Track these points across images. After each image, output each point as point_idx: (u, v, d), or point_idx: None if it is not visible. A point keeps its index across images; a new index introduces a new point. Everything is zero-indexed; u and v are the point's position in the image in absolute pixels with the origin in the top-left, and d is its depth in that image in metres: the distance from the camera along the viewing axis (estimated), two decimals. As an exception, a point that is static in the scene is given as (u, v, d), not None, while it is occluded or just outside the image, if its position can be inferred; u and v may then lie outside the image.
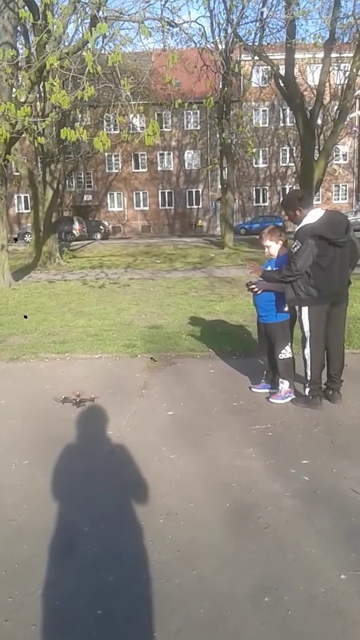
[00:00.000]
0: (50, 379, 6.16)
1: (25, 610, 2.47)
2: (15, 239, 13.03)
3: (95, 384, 5.81)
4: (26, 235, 34.63)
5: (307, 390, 4.96)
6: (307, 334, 4.84)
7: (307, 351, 4.88)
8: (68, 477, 3.76)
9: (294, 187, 42.97)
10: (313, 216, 4.71)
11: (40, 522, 3.19)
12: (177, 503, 3.37)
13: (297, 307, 4.91)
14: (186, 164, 48.08)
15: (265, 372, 5.43)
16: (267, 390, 5.30)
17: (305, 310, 4.81)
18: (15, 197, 44.82)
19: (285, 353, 5.11)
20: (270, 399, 5.10)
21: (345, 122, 25.36)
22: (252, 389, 5.41)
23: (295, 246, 4.64)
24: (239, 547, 2.91)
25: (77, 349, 7.30)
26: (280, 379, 5.15)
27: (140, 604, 2.51)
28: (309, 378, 4.92)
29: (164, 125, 43.79)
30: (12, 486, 3.67)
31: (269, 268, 5.10)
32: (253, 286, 5.09)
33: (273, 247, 5.10)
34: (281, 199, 46.98)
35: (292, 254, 4.70)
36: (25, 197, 40.17)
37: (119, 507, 3.36)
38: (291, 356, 5.16)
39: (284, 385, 5.12)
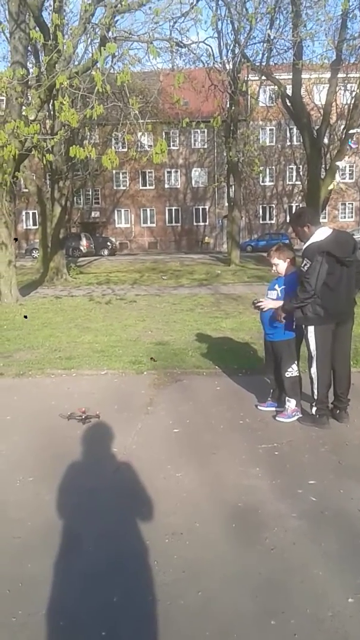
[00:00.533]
0: (56, 395, 6.15)
1: (28, 630, 2.45)
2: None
3: (101, 400, 5.80)
4: (34, 251, 34.85)
5: (314, 409, 4.93)
6: (314, 353, 4.82)
7: (313, 370, 4.86)
8: (73, 494, 3.73)
9: (301, 205, 43.20)
10: (321, 234, 4.72)
11: (45, 540, 3.17)
12: (182, 522, 3.34)
13: (303, 326, 4.89)
14: (193, 182, 48.40)
15: (271, 391, 5.40)
16: (274, 409, 5.27)
17: (311, 329, 4.79)
18: (24, 213, 45.19)
19: (292, 371, 5.09)
20: (277, 418, 5.07)
21: (351, 142, 25.53)
22: (259, 407, 5.38)
23: (305, 264, 4.64)
24: (245, 568, 2.87)
25: (83, 365, 7.29)
26: (286, 398, 5.12)
27: (145, 625, 2.47)
28: (315, 397, 4.90)
29: (171, 144, 44.18)
30: (16, 503, 3.65)
31: (276, 286, 5.08)
32: (260, 304, 5.09)
33: (281, 265, 5.10)
34: (288, 216, 47.26)
35: (302, 272, 4.70)
36: (34, 214, 40.48)
37: (124, 525, 3.34)
38: (298, 374, 5.14)
39: (291, 404, 5.09)
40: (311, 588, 2.70)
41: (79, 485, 3.88)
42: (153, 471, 4.04)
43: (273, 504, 3.54)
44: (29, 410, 5.63)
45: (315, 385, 4.88)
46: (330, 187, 14.81)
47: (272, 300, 5.03)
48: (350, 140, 20.15)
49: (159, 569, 2.86)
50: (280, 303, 4.94)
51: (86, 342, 8.80)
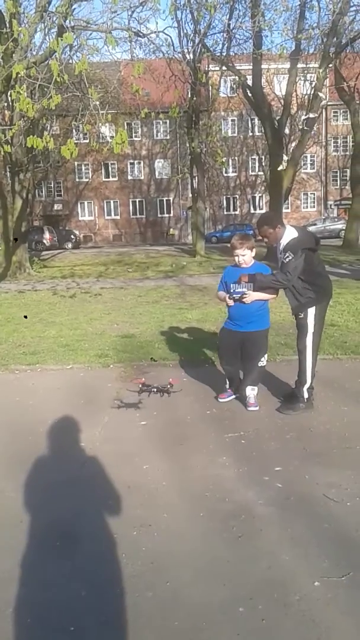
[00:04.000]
0: (21, 390, 6.07)
1: (-5, 630, 2.42)
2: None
3: (67, 395, 5.75)
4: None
5: (306, 393, 4.99)
6: (310, 338, 4.89)
7: (309, 355, 4.92)
8: (39, 490, 3.69)
9: (264, 196, 43.53)
10: (293, 231, 4.89)
11: (10, 537, 3.13)
12: (150, 514, 3.34)
13: (302, 314, 4.92)
14: (157, 173, 48.24)
15: (228, 381, 5.40)
16: (233, 398, 5.30)
17: (311, 312, 4.86)
18: (-16, 206, 44.37)
19: (263, 361, 5.20)
20: (249, 408, 5.10)
21: (313, 132, 25.80)
22: (219, 399, 5.37)
23: (288, 257, 4.74)
24: (213, 556, 2.89)
25: (48, 359, 7.21)
26: (251, 387, 5.16)
27: (114, 618, 2.47)
28: (308, 380, 4.96)
29: (133, 135, 43.94)
30: (-19, 502, 3.59)
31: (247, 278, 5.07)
32: (245, 297, 4.92)
33: (247, 255, 5.06)
34: (251, 207, 47.58)
35: (285, 264, 4.76)
36: (-6, 207, 39.74)
37: (92, 520, 3.32)
38: (265, 364, 5.23)
39: (255, 391, 5.16)
40: (278, 573, 2.73)
41: (45, 480, 3.84)
42: (120, 464, 4.03)
43: (240, 492, 3.57)
44: (-7, 407, 5.54)
45: (309, 369, 4.94)
46: (280, 167, 14.93)
47: (253, 292, 4.98)
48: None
49: (127, 562, 2.86)
50: (262, 295, 4.97)
51: (51, 336, 8.70)
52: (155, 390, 5.35)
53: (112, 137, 9.34)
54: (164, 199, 48.87)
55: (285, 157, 14.73)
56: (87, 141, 21.89)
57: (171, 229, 48.63)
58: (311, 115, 19.22)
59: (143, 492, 3.63)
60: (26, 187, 20.81)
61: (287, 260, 4.76)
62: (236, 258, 5.10)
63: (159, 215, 49.04)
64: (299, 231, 4.93)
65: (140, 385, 5.47)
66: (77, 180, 48.12)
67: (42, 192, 46.60)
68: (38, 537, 3.14)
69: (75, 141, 9.22)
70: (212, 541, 3.03)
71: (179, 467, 4.01)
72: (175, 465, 4.04)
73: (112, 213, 48.92)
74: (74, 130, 30.59)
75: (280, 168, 14.94)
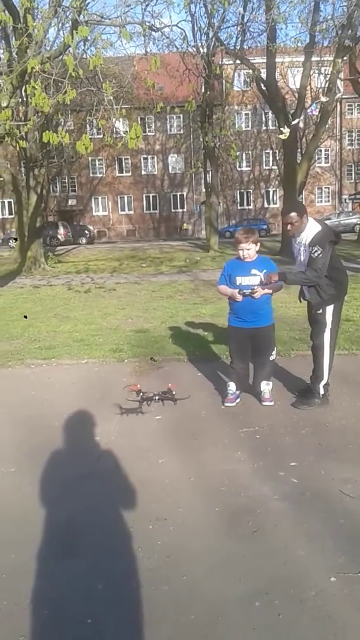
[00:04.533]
0: (37, 385, 6.12)
1: (14, 621, 2.44)
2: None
3: (82, 390, 5.78)
4: (11, 241, 34.43)
5: (322, 389, 4.96)
6: (327, 334, 4.85)
7: (326, 350, 4.88)
8: (55, 484, 3.72)
9: (278, 190, 43.26)
10: (316, 225, 4.81)
11: (28, 530, 3.16)
12: (166, 508, 3.35)
13: (321, 310, 4.88)
14: (170, 168, 48.15)
15: (232, 383, 5.23)
16: (239, 399, 5.23)
17: (329, 309, 4.82)
18: (-1, 202, 44.59)
19: (274, 355, 5.20)
20: (264, 403, 5.08)
21: (327, 125, 25.57)
22: (226, 404, 5.15)
23: (316, 251, 4.63)
24: (228, 551, 2.89)
25: (64, 354, 7.25)
26: (265, 381, 5.15)
27: (130, 611, 2.48)
28: (325, 376, 4.93)
29: (147, 130, 43.84)
30: (-2, 495, 3.63)
31: (254, 271, 5.01)
32: (256, 293, 4.87)
33: (252, 249, 5.01)
34: (265, 201, 47.33)
35: (313, 258, 4.65)
36: (9, 203, 39.99)
37: (107, 513, 3.34)
38: (275, 358, 5.23)
39: (270, 386, 5.14)
40: (294, 569, 2.73)
41: (61, 475, 3.87)
42: (135, 459, 4.04)
43: (255, 487, 3.56)
44: (9, 402, 5.59)
45: (327, 364, 4.91)
46: (282, 136, 14.78)
47: (261, 287, 4.95)
48: (314, 105, 20.09)
49: (144, 555, 2.87)
50: (271, 290, 4.94)
51: (66, 331, 8.74)
52: (157, 398, 4.98)
53: (126, 132, 9.35)
54: (178, 193, 48.77)
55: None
56: (101, 136, 21.86)
57: (184, 224, 48.56)
58: (323, 99, 18.94)
59: (158, 487, 3.64)
60: (41, 183, 20.90)
61: (315, 255, 4.63)
62: (240, 252, 5.03)
63: (173, 210, 48.98)
64: (321, 224, 4.85)
65: (140, 394, 5.09)
66: (91, 175, 48.18)
67: (56, 187, 46.72)
68: (54, 531, 3.17)
69: (90, 136, 9.23)
70: (227, 536, 3.04)
71: (194, 461, 4.01)
72: (190, 459, 4.05)
73: (126, 208, 48.95)
74: (87, 126, 30.63)
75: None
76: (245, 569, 2.74)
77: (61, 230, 37.31)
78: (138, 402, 4.69)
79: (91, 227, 44.48)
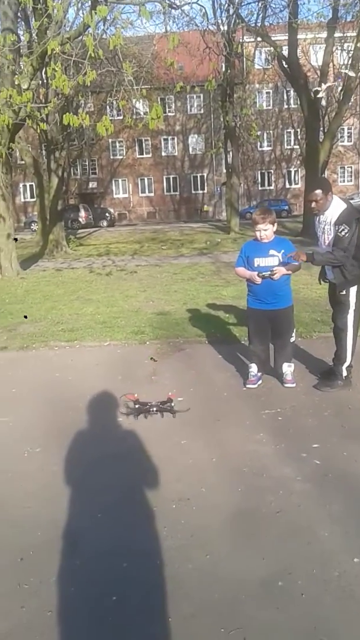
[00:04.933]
0: (60, 367, 6.18)
1: (40, 597, 2.50)
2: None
3: (105, 371, 5.83)
4: (32, 224, 34.60)
5: (345, 371, 4.94)
6: (351, 315, 4.80)
7: (350, 333, 4.84)
8: (80, 464, 3.77)
9: (300, 170, 42.66)
10: (341, 203, 4.72)
11: (54, 509, 3.21)
12: (189, 488, 3.38)
13: (345, 291, 4.82)
14: (190, 149, 47.72)
15: (254, 365, 5.22)
16: (261, 381, 5.22)
17: (353, 291, 4.77)
18: (21, 185, 44.69)
19: (294, 336, 5.20)
20: (286, 385, 5.07)
21: (350, 103, 25.04)
22: (247, 386, 5.15)
23: (343, 229, 4.55)
24: (251, 531, 2.91)
25: (86, 336, 7.31)
26: (287, 363, 5.13)
27: (154, 589, 2.52)
28: (348, 358, 4.90)
29: (167, 110, 43.41)
30: (25, 474, 3.69)
31: (273, 252, 4.93)
32: (275, 274, 4.81)
33: (270, 229, 4.93)
34: (287, 182, 46.72)
35: (342, 238, 4.57)
36: (31, 186, 40.04)
37: (131, 493, 3.38)
38: (295, 339, 5.21)
39: (291, 368, 5.13)
40: (317, 549, 2.74)
41: (86, 455, 3.92)
42: (158, 439, 4.07)
43: (277, 468, 3.57)
44: (34, 383, 5.66)
45: (349, 346, 4.88)
46: (319, 95, 14.52)
47: (281, 268, 4.90)
48: (339, 76, 19.66)
49: (167, 534, 2.91)
50: (290, 270, 4.89)
51: (88, 313, 8.80)
52: (155, 410, 4.42)
53: (146, 113, 9.28)
54: (198, 175, 48.39)
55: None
56: (121, 117, 21.74)
57: (205, 206, 48.25)
58: (351, 73, 18.49)
59: (180, 467, 3.67)
60: (61, 166, 20.92)
61: (342, 233, 4.55)
62: (257, 233, 4.96)
63: (193, 192, 48.65)
64: (346, 202, 4.76)
65: (136, 405, 4.54)
66: (112, 157, 48.01)
67: (77, 170, 46.67)
68: (79, 510, 3.22)
69: (110, 118, 9.18)
70: (250, 516, 3.06)
71: (216, 442, 4.03)
72: (212, 440, 4.07)
73: (146, 190, 48.75)
74: (107, 107, 30.49)
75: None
76: (268, 548, 2.76)
77: (82, 213, 37.35)
78: (133, 415, 4.20)
79: (112, 210, 44.44)
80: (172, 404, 4.54)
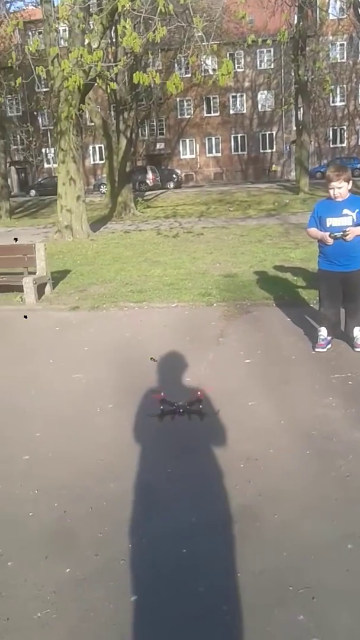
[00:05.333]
0: (130, 327, 6.30)
1: (113, 546, 2.61)
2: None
3: (173, 332, 5.90)
4: (101, 187, 34.92)
5: None
6: None
7: None
8: (150, 422, 3.86)
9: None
10: None
11: (126, 462, 3.32)
12: (256, 449, 3.40)
13: None
14: (259, 106, 46.37)
15: (323, 328, 5.09)
16: (330, 345, 5.11)
17: None
18: (91, 148, 45.03)
19: None
20: (356, 349, 4.96)
21: None
22: (316, 349, 5.05)
23: None
24: (321, 494, 2.91)
25: (154, 298, 7.39)
26: (358, 327, 5.00)
27: (223, 544, 2.58)
28: None
29: (236, 66, 42.15)
30: (98, 428, 3.83)
31: (346, 211, 4.75)
32: (348, 235, 4.63)
33: (344, 188, 4.72)
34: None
35: None
36: (100, 148, 40.30)
37: (199, 450, 3.43)
38: None
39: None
40: (388, 514, 2.71)
41: (155, 413, 4.00)
42: (226, 400, 4.10)
43: (347, 432, 3.53)
44: (105, 342, 5.81)
45: None
46: None
47: (355, 228, 4.73)
48: None
49: (235, 493, 2.95)
50: (358, 231, 4.70)
51: (156, 275, 8.87)
52: (181, 411, 3.79)
53: (214, 70, 9.05)
54: (267, 133, 47.09)
55: None
56: (190, 75, 21.36)
57: (273, 165, 47.02)
58: None
59: (248, 428, 3.69)
60: (130, 126, 20.87)
61: None
62: (331, 191, 4.77)
63: (261, 151, 47.47)
64: None
65: (161, 407, 3.88)
66: (179, 117, 47.40)
67: (144, 131, 46.46)
68: (150, 464, 3.31)
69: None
70: (319, 479, 3.05)
71: (284, 405, 4.02)
72: (280, 403, 4.06)
73: (214, 150, 47.97)
74: (176, 65, 29.97)
75: None
76: (337, 512, 2.75)
77: (150, 175, 37.33)
78: (157, 417, 3.65)
79: (178, 171, 44.13)
80: (201, 407, 3.88)
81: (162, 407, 3.58)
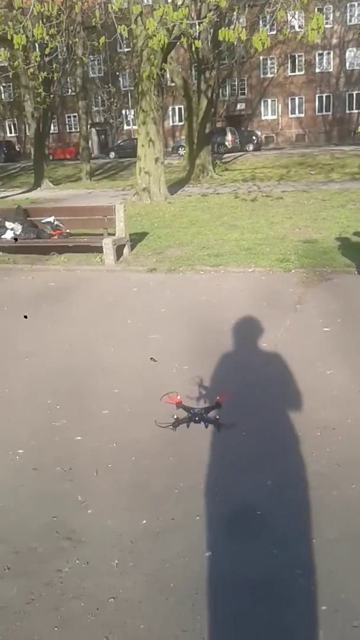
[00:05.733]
0: (206, 290, 6.30)
1: (188, 503, 2.66)
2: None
3: (249, 297, 5.84)
4: (180, 149, 34.65)
5: None
6: None
7: None
8: (225, 384, 3.86)
9: None
10: None
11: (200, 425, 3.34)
12: (333, 418, 3.34)
13: None
14: (347, 64, 44.04)
15: None
16: None
17: None
18: (170, 109, 44.55)
19: None
20: None
21: None
22: None
23: None
24: None
25: (231, 262, 7.33)
26: None
27: (298, 509, 2.57)
28: None
29: (324, 22, 40.20)
30: (174, 388, 3.85)
31: None
32: None
33: None
34: None
35: None
36: (179, 109, 39.82)
37: (275, 417, 3.42)
38: None
39: None
40: None
41: (231, 375, 4.01)
42: (303, 367, 4.04)
43: None
44: (181, 304, 5.84)
45: None
46: None
47: None
48: None
49: (312, 460, 2.93)
50: None
51: (233, 239, 8.78)
52: (197, 419, 3.04)
53: (300, 26, 8.66)
54: (354, 92, 44.78)
55: None
56: (275, 32, 20.55)
57: (359, 127, 44.89)
58: None
59: (326, 396, 3.63)
60: (211, 86, 20.48)
61: None
62: None
63: (347, 112, 45.29)
64: None
65: (174, 417, 3.09)
66: (262, 76, 45.91)
67: (225, 91, 45.36)
68: (225, 425, 3.32)
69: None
70: None
71: (364, 376, 3.92)
72: (359, 372, 3.95)
73: (296, 111, 46.26)
74: (260, 22, 28.90)
75: None
76: None
77: (229, 137, 36.60)
78: (171, 427, 3.04)
79: (259, 133, 42.99)
80: (217, 417, 3.07)
81: (175, 416, 3.04)
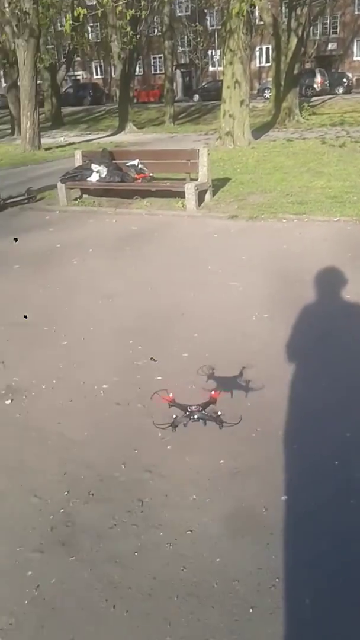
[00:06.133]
0: (288, 239, 6.16)
1: (266, 446, 2.68)
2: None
3: (333, 247, 5.67)
4: (266, 91, 33.39)
5: None
6: None
7: None
8: (305, 334, 3.82)
9: None
10: None
11: (279, 371, 3.34)
12: None
13: None
14: None
15: None
16: None
17: None
18: (257, 49, 42.72)
19: None
20: None
21: None
22: None
23: None
24: None
25: (315, 210, 7.11)
26: None
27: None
28: None
29: None
30: (253, 335, 3.87)
31: None
32: None
33: None
34: None
35: None
36: (267, 49, 38.06)
37: (353, 369, 3.36)
38: None
39: None
40: None
41: (311, 326, 3.95)
42: (388, 322, 3.92)
43: None
44: (262, 252, 5.75)
45: None
46: None
47: None
48: None
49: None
50: None
51: (318, 187, 8.48)
52: (196, 417, 2.90)
53: None
54: None
55: None
56: None
57: None
58: None
59: None
60: (302, 24, 19.38)
61: None
62: None
63: None
64: None
65: (173, 415, 2.94)
66: (356, 12, 42.90)
67: (316, 29, 42.82)
68: (304, 375, 3.30)
69: None
70: None
71: None
72: None
73: (394, 50, 43.22)
74: None
75: None
76: None
77: (318, 79, 34.85)
78: (171, 426, 2.86)
79: (350, 75, 40.53)
80: (219, 413, 2.94)
81: (175, 416, 2.89)
